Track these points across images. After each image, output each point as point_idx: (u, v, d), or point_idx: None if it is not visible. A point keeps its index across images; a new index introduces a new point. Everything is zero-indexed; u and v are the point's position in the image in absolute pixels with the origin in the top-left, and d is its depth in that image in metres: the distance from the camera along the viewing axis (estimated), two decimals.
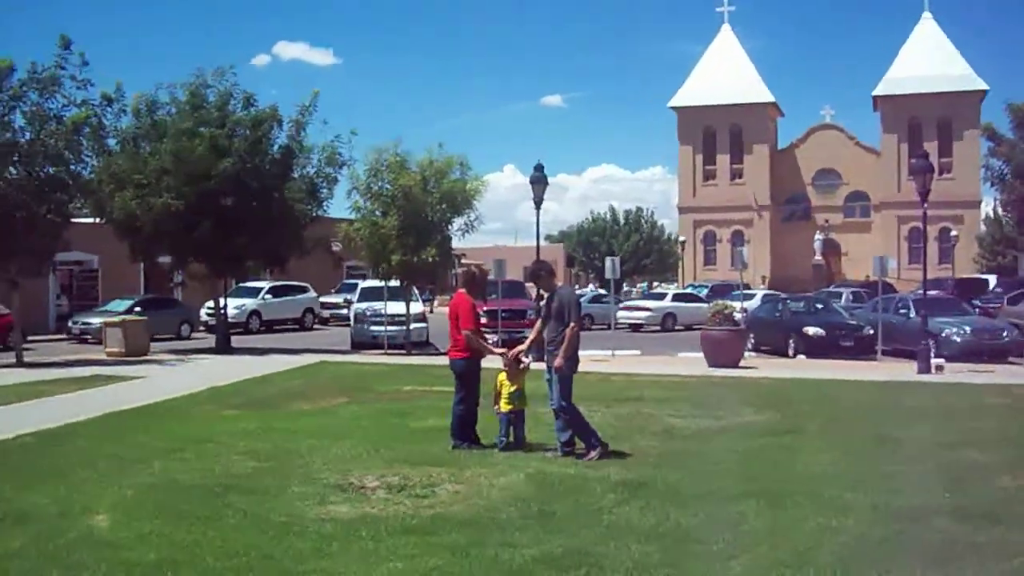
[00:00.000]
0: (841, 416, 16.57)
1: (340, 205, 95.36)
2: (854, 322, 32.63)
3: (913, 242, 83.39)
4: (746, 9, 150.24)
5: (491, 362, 13.27)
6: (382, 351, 32.78)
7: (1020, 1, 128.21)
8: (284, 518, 9.23)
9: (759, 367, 26.59)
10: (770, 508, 9.54)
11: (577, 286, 79.74)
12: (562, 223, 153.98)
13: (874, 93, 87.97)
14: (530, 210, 31.38)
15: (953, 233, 79.51)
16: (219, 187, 31.08)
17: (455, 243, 33.70)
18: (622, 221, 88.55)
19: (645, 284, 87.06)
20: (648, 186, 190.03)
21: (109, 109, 29.23)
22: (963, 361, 27.20)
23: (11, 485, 10.87)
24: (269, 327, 46.89)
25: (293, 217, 33.29)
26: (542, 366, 12.69)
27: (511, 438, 12.79)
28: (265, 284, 47.35)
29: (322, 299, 52.38)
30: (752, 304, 43.42)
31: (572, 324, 12.23)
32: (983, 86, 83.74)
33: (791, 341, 31.57)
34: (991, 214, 76.27)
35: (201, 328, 43.13)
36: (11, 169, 26.93)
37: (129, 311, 38.14)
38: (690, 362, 28.10)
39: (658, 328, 47.83)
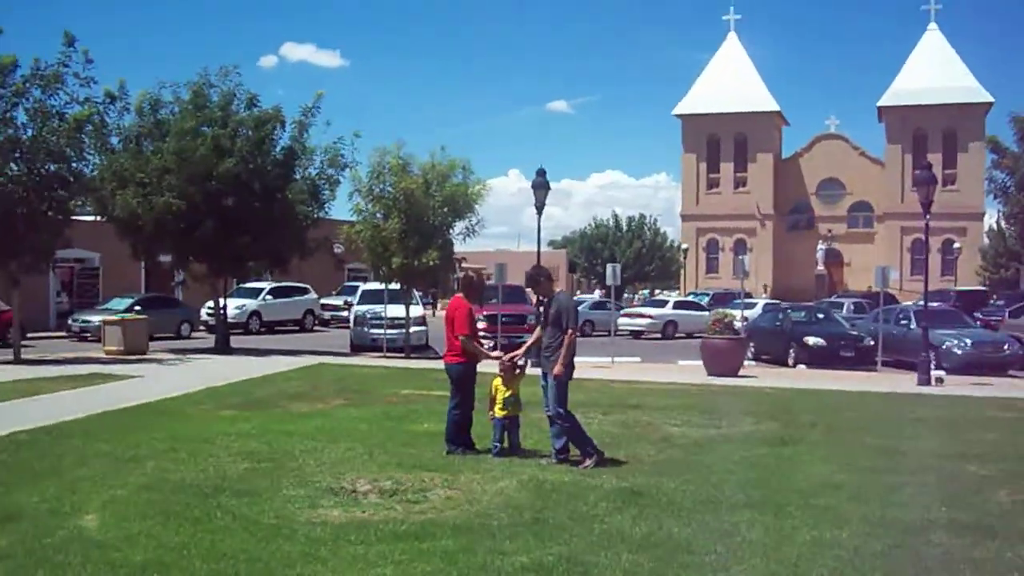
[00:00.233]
0: (840, 427, 16.44)
1: (342, 207, 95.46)
2: (855, 333, 32.50)
3: (916, 253, 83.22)
4: (752, 18, 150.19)
5: (487, 367, 13.18)
6: (381, 354, 32.72)
7: None
8: (274, 521, 9.17)
9: (759, 376, 26.48)
10: (765, 519, 9.45)
11: (579, 292, 79.69)
12: (566, 228, 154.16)
13: (879, 103, 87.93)
14: (534, 215, 31.36)
15: (956, 245, 79.38)
16: (221, 187, 31.05)
17: (457, 247, 33.64)
18: (625, 228, 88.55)
19: (647, 291, 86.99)
20: (653, 193, 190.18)
21: (112, 107, 29.31)
22: (964, 374, 27.12)
23: (2, 483, 10.81)
24: (269, 328, 46.88)
25: (295, 218, 33.25)
26: (539, 371, 12.60)
27: (506, 444, 12.72)
28: (266, 285, 47.29)
29: (323, 300, 52.39)
30: (753, 313, 43.35)
31: (569, 330, 12.12)
32: (988, 98, 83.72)
33: (791, 351, 31.45)
34: (994, 226, 76.14)
35: (201, 328, 43.11)
36: (12, 166, 26.86)
37: (129, 310, 38.18)
38: (690, 370, 28.00)
39: (659, 335, 47.72)
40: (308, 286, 50.21)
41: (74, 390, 20.43)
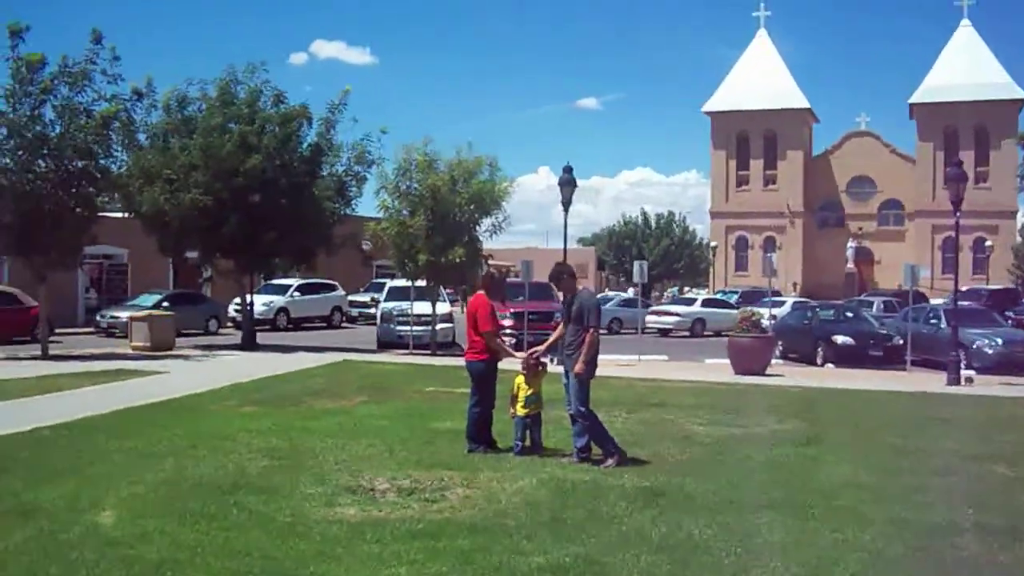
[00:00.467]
0: (866, 427, 16.29)
1: (369, 204, 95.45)
2: (884, 331, 32.29)
3: (947, 251, 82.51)
4: (782, 14, 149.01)
5: (510, 364, 13.11)
6: (407, 351, 32.70)
7: None
8: (290, 518, 9.12)
9: (785, 375, 26.32)
10: (786, 520, 9.34)
11: (607, 290, 79.53)
12: (595, 226, 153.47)
13: (910, 100, 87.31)
14: (562, 212, 31.24)
15: (988, 243, 78.82)
16: (247, 184, 31.07)
17: (484, 244, 33.59)
18: (653, 225, 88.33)
19: (675, 289, 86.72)
20: (683, 190, 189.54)
21: (139, 104, 29.28)
22: (994, 373, 26.87)
23: (22, 479, 10.81)
24: (297, 324, 46.97)
25: (321, 215, 33.24)
26: (562, 369, 12.50)
27: (527, 442, 12.64)
28: (294, 281, 47.36)
29: (350, 297, 52.39)
30: (782, 311, 43.10)
31: (592, 328, 12.02)
32: (1021, 95, 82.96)
33: (819, 349, 31.25)
34: None
35: (229, 324, 43.25)
36: (40, 162, 26.98)
37: (157, 306, 38.31)
38: (716, 368, 27.87)
39: (687, 333, 47.60)
40: (336, 283, 50.25)
41: (98, 386, 20.48)
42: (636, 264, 34.45)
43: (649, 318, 47.59)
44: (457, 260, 30.62)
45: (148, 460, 11.97)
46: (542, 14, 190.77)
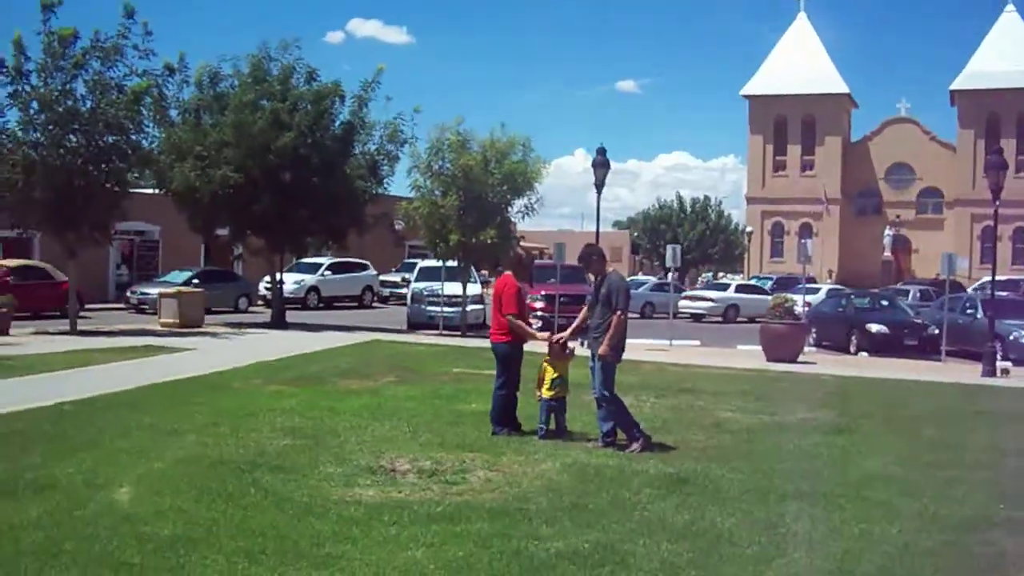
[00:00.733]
0: (899, 417, 16.12)
1: (401, 183, 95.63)
2: (919, 321, 31.98)
3: (986, 241, 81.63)
4: None
5: (537, 347, 13.01)
6: (437, 332, 32.67)
7: None
8: (308, 498, 9.06)
9: (818, 363, 26.10)
10: (813, 510, 9.21)
11: (640, 273, 79.27)
12: (632, 209, 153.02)
13: (952, 87, 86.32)
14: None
15: None
16: (279, 161, 31.09)
17: (518, 226, 33.48)
18: (689, 209, 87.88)
19: (710, 274, 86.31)
20: (720, 175, 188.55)
21: (171, 80, 29.23)
22: None
23: (42, 453, 10.82)
24: (328, 304, 47.06)
25: (353, 193, 33.20)
26: (589, 352, 12.38)
27: (552, 425, 12.54)
28: (325, 260, 47.40)
29: (382, 277, 52.40)
30: (817, 298, 42.82)
31: (619, 311, 11.89)
32: None
33: (853, 338, 30.98)
34: None
35: (259, 302, 43.36)
36: (71, 137, 27.05)
37: (187, 283, 38.43)
38: (748, 355, 27.70)
39: (720, 319, 47.42)
40: (367, 262, 50.29)
41: (124, 362, 20.55)
42: (669, 248, 34.27)
43: (682, 303, 47.43)
44: (489, 241, 30.50)
45: (169, 437, 11.97)
46: None
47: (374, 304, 50.09)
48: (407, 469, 10.45)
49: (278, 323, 33.38)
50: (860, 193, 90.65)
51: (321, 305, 46.63)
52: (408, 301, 36.78)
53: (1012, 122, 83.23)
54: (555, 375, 12.50)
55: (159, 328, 30.17)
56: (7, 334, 26.30)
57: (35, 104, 26.70)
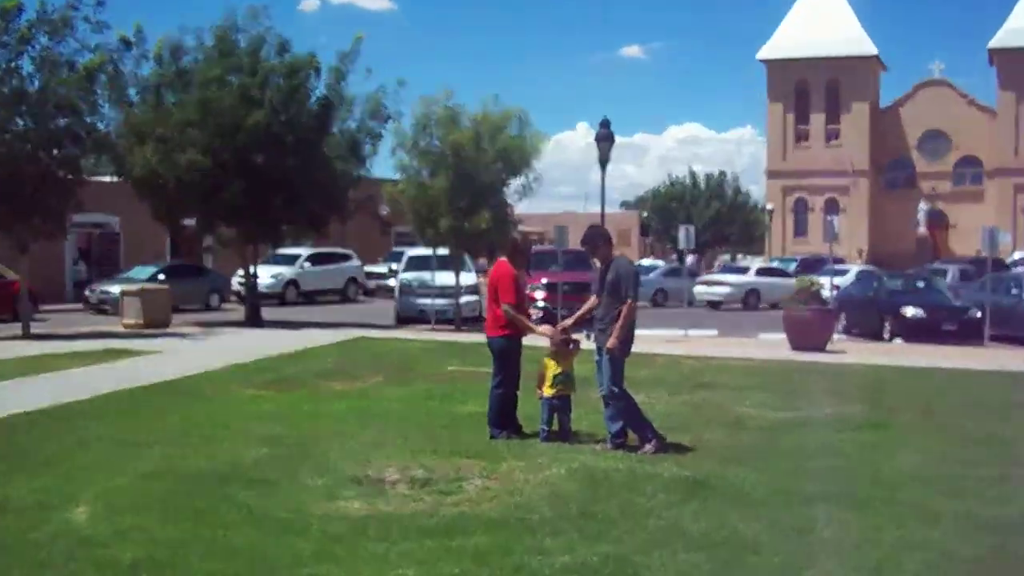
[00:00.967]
0: (938, 410, 16.06)
1: (385, 164, 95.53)
2: (959, 303, 31.93)
3: None
4: None
5: (538, 341, 13.00)
6: (429, 326, 32.68)
7: None
8: (287, 514, 9.02)
9: (848, 352, 26.08)
10: (845, 515, 9.19)
11: (651, 257, 79.28)
12: (640, 188, 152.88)
13: (990, 46, 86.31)
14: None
15: None
16: (250, 142, 30.99)
17: (514, 207, 33.46)
18: (703, 186, 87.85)
19: (727, 256, 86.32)
20: (736, 148, 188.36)
21: (128, 55, 29.09)
22: None
23: None
24: (308, 298, 47.11)
25: (333, 176, 33.14)
26: (595, 346, 12.35)
27: (555, 427, 12.52)
28: (304, 251, 47.40)
29: (367, 268, 52.42)
30: (845, 281, 42.80)
31: (628, 300, 11.85)
32: None
33: (886, 323, 30.91)
34: None
35: (232, 299, 43.40)
36: (18, 120, 26.93)
37: (152, 279, 38.42)
38: (771, 345, 27.71)
39: (739, 306, 47.47)
40: (351, 252, 50.32)
41: (84, 367, 20.48)
42: (682, 229, 34.22)
43: (697, 289, 47.49)
44: (483, 225, 30.47)
45: (133, 450, 11.93)
46: None
47: (359, 297, 50.12)
48: (397, 479, 10.41)
49: (253, 321, 33.37)
50: (891, 164, 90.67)
51: (301, 300, 46.65)
52: (396, 293, 36.78)
53: None
54: (558, 371, 12.46)
55: (122, 330, 30.12)
56: None
57: None
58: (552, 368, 12.49)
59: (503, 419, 12.73)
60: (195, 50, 32.46)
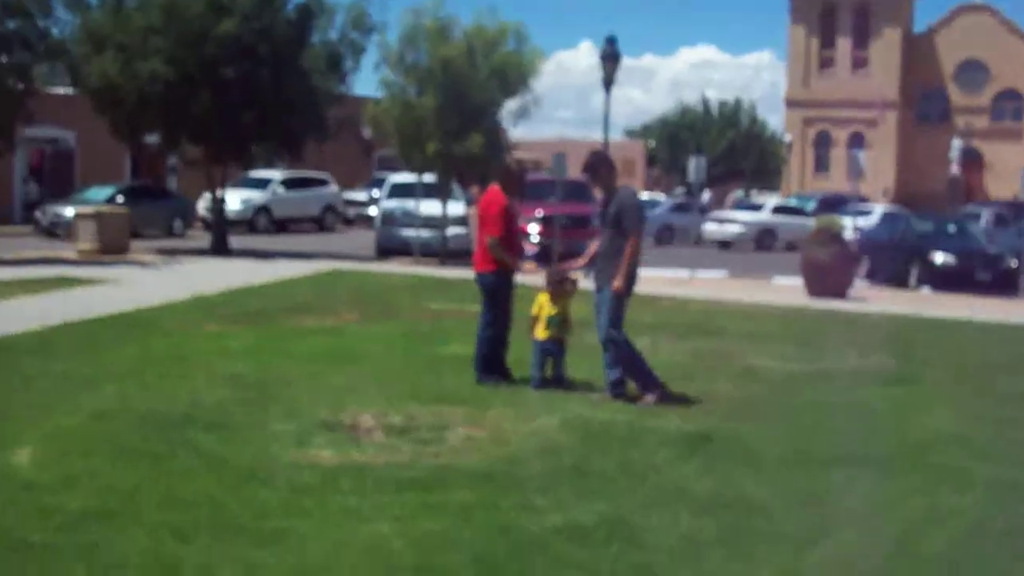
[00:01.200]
0: (970, 365, 16.07)
1: (368, 80, 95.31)
2: (994, 250, 31.89)
3: None
4: None
5: (534, 279, 12.92)
6: (412, 260, 32.63)
7: None
8: (251, 461, 8.95)
9: (871, 299, 26.05)
10: (867, 478, 9.16)
11: (655, 191, 79.16)
12: (647, 115, 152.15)
13: None
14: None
15: None
16: (219, 53, 30.71)
17: (510, 133, 33.34)
18: (716, 114, 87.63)
19: (741, 192, 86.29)
20: (754, 74, 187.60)
21: None
22: None
23: None
24: (281, 226, 47.05)
25: (310, 92, 32.94)
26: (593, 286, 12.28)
27: (548, 373, 12.46)
28: (277, 174, 47.26)
29: (346, 194, 52.33)
30: (869, 222, 42.76)
31: (631, 235, 11.74)
32: None
33: (913, 270, 30.86)
34: None
35: (198, 224, 43.29)
36: None
37: (110, 201, 38.24)
38: (787, 290, 27.70)
39: (752, 246, 47.41)
40: (328, 177, 50.19)
41: (32, 296, 20.38)
42: (692, 159, 34.24)
43: (707, 227, 47.42)
44: (474, 150, 30.30)
45: (83, 387, 11.84)
46: None
47: (337, 227, 50.09)
48: (372, 426, 10.36)
49: (220, 249, 33.30)
50: (923, 96, 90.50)
51: (273, 228, 46.55)
52: (377, 223, 36.68)
53: None
54: (553, 312, 12.39)
55: (75, 256, 30.03)
56: None
57: None
58: (547, 309, 12.41)
59: (491, 363, 12.65)
60: None
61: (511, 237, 12.79)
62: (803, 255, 27.77)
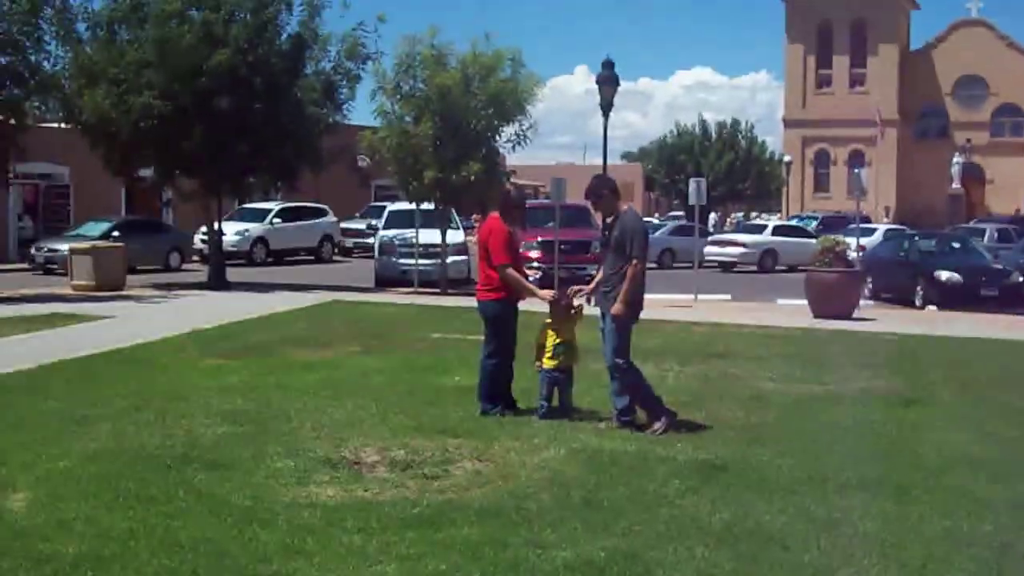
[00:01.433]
0: (982, 385, 15.93)
1: (363, 110, 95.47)
2: (1000, 266, 31.86)
3: None
4: None
5: (534, 305, 12.85)
6: (411, 289, 32.56)
7: None
8: (251, 501, 8.81)
9: (878, 319, 26.03)
10: (883, 504, 9.00)
11: (656, 215, 79.18)
12: (644, 138, 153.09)
13: None
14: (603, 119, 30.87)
15: None
16: (214, 84, 30.68)
17: (508, 159, 33.28)
18: (714, 136, 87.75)
19: (741, 214, 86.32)
20: (751, 95, 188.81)
21: None
22: None
23: None
24: (278, 258, 47.10)
25: (305, 122, 32.90)
26: (598, 312, 12.13)
27: (555, 402, 12.32)
28: (273, 205, 47.28)
29: (343, 224, 52.37)
30: (872, 241, 42.72)
31: (635, 260, 11.62)
32: None
33: (919, 288, 30.88)
34: None
35: (195, 258, 43.23)
36: None
37: (106, 236, 38.14)
38: (791, 311, 27.61)
39: (755, 268, 47.43)
40: (326, 207, 50.27)
41: (27, 334, 20.34)
42: (692, 182, 34.01)
43: (708, 249, 47.37)
44: (472, 177, 30.25)
45: (79, 427, 11.74)
46: None
47: (335, 257, 50.08)
48: (375, 461, 10.27)
49: (217, 283, 33.18)
50: (922, 112, 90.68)
51: (270, 260, 46.64)
52: (375, 253, 36.68)
53: None
54: (558, 340, 12.26)
55: (71, 292, 29.98)
56: None
57: None
58: (552, 337, 12.28)
59: (496, 393, 12.54)
60: None
61: (517, 265, 12.69)
62: (807, 276, 27.67)
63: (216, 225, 34.69)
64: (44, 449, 10.60)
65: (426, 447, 10.72)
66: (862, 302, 28.22)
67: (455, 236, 34.65)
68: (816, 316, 25.75)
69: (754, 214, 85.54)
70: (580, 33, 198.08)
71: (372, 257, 37.82)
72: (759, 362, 17.50)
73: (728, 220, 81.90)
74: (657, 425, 11.59)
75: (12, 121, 27.86)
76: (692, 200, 33.58)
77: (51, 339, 19.79)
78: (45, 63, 28.65)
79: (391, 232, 36.10)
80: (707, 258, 45.89)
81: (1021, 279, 29.81)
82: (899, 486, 9.55)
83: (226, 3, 31.53)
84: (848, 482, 9.65)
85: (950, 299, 29.83)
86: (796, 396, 14.41)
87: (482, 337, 12.94)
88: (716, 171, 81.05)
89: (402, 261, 34.62)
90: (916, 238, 36.29)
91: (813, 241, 37.75)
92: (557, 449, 10.67)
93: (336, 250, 50.97)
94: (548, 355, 12.28)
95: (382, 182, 48.32)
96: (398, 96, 31.23)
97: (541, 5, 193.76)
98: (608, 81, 30.35)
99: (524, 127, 31.58)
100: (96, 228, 40.19)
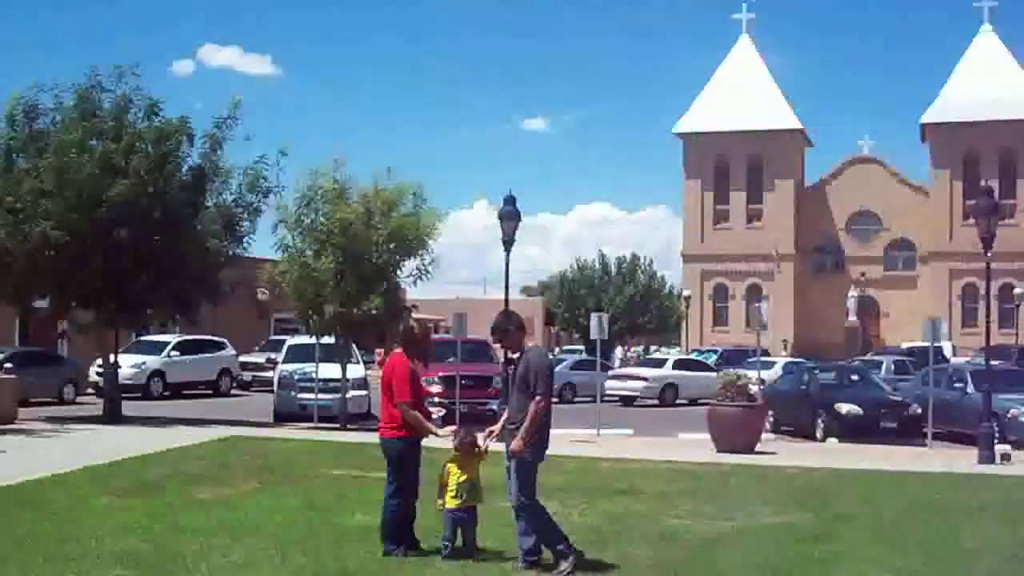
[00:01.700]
0: (888, 518, 15.93)
1: (264, 242, 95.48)
2: (898, 398, 32.10)
3: (967, 301, 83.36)
4: (768, 18, 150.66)
5: (438, 443, 12.53)
6: (311, 424, 32.19)
7: None
8: None
9: (780, 453, 26.04)
10: None
11: (557, 350, 79.18)
12: (544, 273, 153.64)
13: (922, 120, 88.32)
14: (503, 254, 30.83)
15: (1017, 290, 79.18)
16: (113, 215, 30.28)
17: (408, 293, 33.15)
18: (614, 270, 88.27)
19: (640, 348, 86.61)
20: (649, 231, 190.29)
21: None
22: None
23: None
24: (175, 391, 46.19)
25: (205, 255, 32.57)
26: (503, 448, 11.89)
27: (459, 542, 12.01)
28: (171, 338, 46.66)
29: (242, 358, 51.80)
30: (772, 374, 42.94)
31: (538, 396, 11.40)
32: None
33: (820, 421, 31.00)
34: None
35: (90, 391, 42.38)
36: None
37: None
38: (694, 445, 27.54)
39: (656, 402, 47.35)
40: (224, 340, 49.64)
41: None
42: (594, 317, 34.03)
43: (609, 383, 47.28)
44: (373, 311, 30.11)
45: None
46: (480, 19, 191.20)
47: (233, 391, 49.37)
48: None
49: (113, 417, 32.47)
50: (818, 247, 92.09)
51: (167, 393, 45.66)
52: (275, 387, 36.24)
53: (993, 160, 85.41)
54: (462, 478, 12.00)
55: None
56: None
57: None
58: (455, 475, 12.02)
59: (398, 533, 12.24)
60: (53, 111, 31.88)
61: (418, 401, 12.46)
62: (710, 411, 27.67)
63: (112, 358, 34.09)
64: None
65: None
66: (764, 435, 28.25)
67: (356, 371, 34.33)
68: (719, 450, 25.69)
69: (653, 348, 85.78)
70: (480, 167, 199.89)
71: (271, 391, 37.32)
72: (665, 498, 17.35)
73: (629, 353, 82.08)
74: (564, 566, 11.31)
75: None
76: (594, 334, 33.60)
77: None
78: None
79: (291, 366, 35.73)
80: (608, 392, 45.79)
81: (919, 411, 29.97)
82: None
83: (127, 134, 31.24)
84: None
85: (851, 431, 29.95)
86: (704, 533, 14.24)
87: (384, 474, 12.66)
88: (616, 305, 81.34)
89: (302, 396, 34.18)
90: (816, 371, 36.55)
91: (713, 375, 37.98)
92: None
93: (235, 384, 50.23)
94: (451, 494, 12.01)
95: (282, 315, 48.09)
96: (299, 230, 31.10)
97: (442, 140, 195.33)
98: (510, 216, 30.36)
99: (426, 261, 31.68)
100: None
